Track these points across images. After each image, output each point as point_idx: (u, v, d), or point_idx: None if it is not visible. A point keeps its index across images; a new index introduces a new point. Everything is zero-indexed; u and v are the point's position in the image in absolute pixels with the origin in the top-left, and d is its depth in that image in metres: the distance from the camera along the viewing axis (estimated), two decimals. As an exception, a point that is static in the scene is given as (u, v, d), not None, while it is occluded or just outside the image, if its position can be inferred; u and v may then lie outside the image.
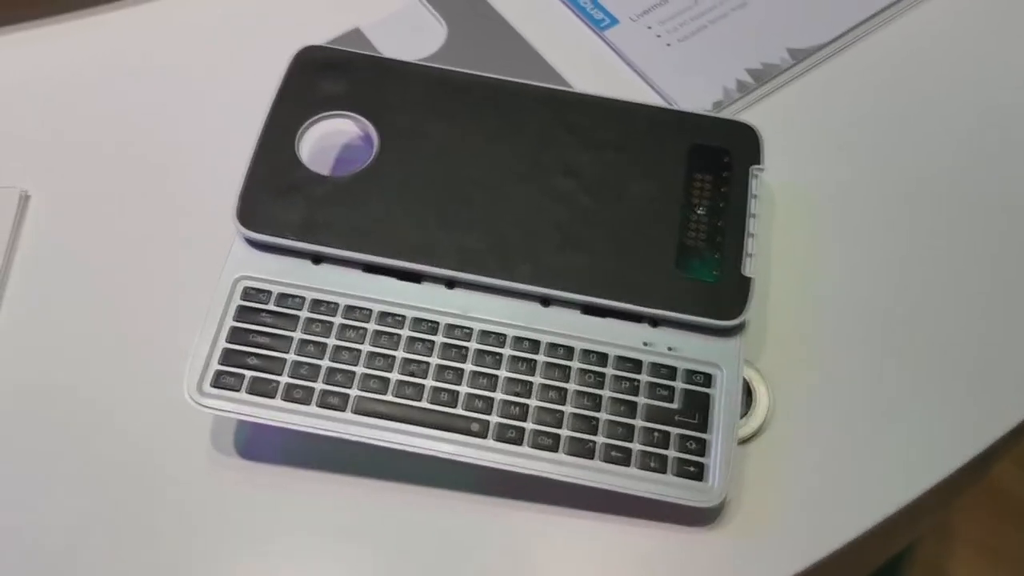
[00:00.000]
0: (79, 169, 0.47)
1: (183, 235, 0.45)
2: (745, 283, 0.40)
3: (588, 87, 0.47)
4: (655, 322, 0.39)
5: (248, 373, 0.38)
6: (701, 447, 0.37)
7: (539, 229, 0.40)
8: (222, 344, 0.38)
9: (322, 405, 0.37)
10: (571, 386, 0.38)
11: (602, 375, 0.38)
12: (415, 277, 0.40)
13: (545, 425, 0.37)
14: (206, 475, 0.39)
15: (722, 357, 0.39)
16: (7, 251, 0.44)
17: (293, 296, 0.39)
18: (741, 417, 0.39)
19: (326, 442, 0.37)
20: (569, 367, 0.38)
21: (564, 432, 0.37)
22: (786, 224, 0.45)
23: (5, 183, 0.46)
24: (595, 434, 0.37)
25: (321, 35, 0.49)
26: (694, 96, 0.49)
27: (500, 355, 0.39)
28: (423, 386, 0.38)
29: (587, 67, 0.50)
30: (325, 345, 0.38)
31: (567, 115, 0.43)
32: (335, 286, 0.39)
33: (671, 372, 0.39)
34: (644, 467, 0.37)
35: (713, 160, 0.42)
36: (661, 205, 0.41)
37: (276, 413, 0.37)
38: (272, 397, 0.37)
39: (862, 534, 0.38)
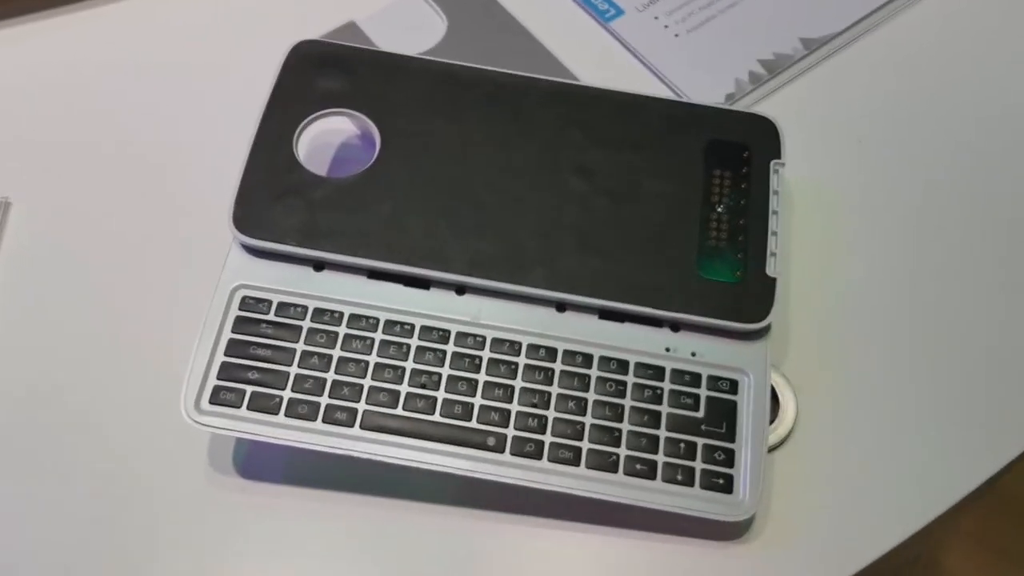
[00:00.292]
0: (65, 171, 0.45)
1: (179, 238, 0.43)
2: (770, 284, 0.38)
3: (596, 80, 0.45)
4: (676, 326, 0.38)
5: (248, 388, 0.35)
6: (729, 458, 0.35)
7: (553, 231, 0.38)
8: (220, 358, 0.36)
9: (328, 421, 0.35)
10: (590, 396, 0.36)
11: (623, 383, 0.36)
12: (423, 283, 0.38)
13: (564, 438, 0.35)
14: (203, 495, 0.37)
15: (748, 362, 0.37)
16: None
17: (294, 305, 0.37)
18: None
19: (331, 459, 0.35)
20: (588, 376, 0.36)
21: (585, 445, 0.35)
22: (805, 221, 0.43)
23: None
24: (617, 446, 0.35)
25: (314, 29, 0.47)
26: (705, 89, 0.47)
27: (515, 364, 0.37)
28: (435, 399, 0.36)
29: (593, 60, 0.48)
30: (329, 357, 0.36)
31: (578, 110, 0.41)
32: (338, 294, 0.37)
33: (695, 379, 0.37)
34: (670, 480, 0.35)
35: (732, 156, 0.40)
36: (679, 203, 0.39)
37: (279, 431, 0.35)
38: (275, 414, 0.35)
39: (898, 544, 0.36)
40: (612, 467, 0.35)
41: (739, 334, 0.37)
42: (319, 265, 0.38)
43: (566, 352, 0.37)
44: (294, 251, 0.37)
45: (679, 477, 0.35)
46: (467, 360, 0.36)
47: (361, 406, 0.35)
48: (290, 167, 0.39)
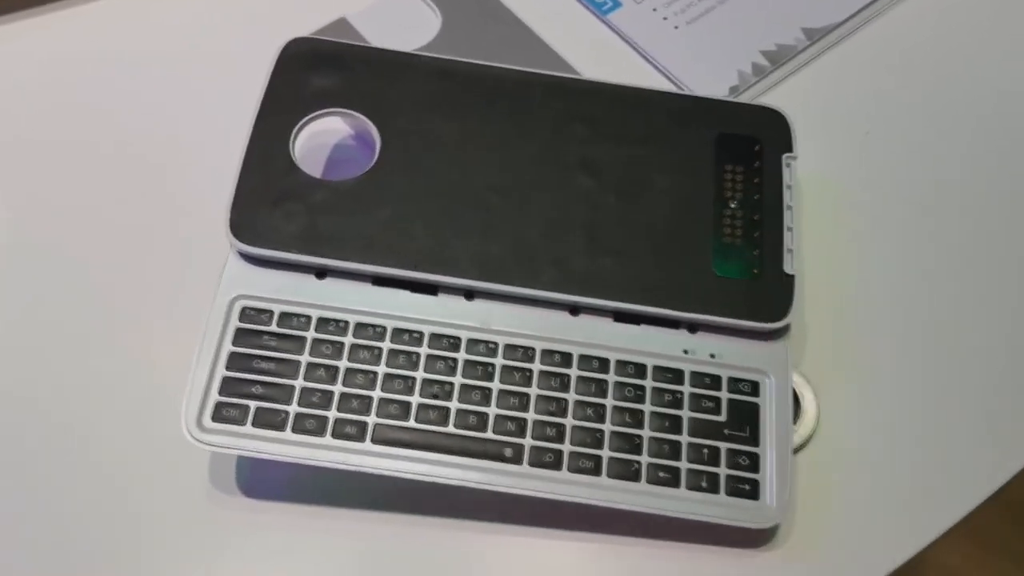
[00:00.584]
0: (58, 171, 0.43)
1: (178, 240, 0.41)
2: (788, 281, 0.37)
3: (597, 75, 0.44)
4: (693, 327, 0.36)
5: (252, 404, 0.34)
6: (754, 462, 0.34)
7: (563, 231, 0.37)
8: (221, 372, 0.34)
9: (337, 436, 0.33)
10: (609, 402, 0.35)
11: (642, 388, 0.35)
12: (430, 289, 0.36)
13: (584, 446, 0.34)
14: (205, 515, 0.35)
15: (768, 362, 0.36)
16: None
17: (297, 315, 0.35)
18: (790, 426, 0.36)
19: (338, 475, 0.33)
20: (605, 381, 0.35)
21: (605, 453, 0.34)
22: (813, 215, 0.42)
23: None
24: (639, 454, 0.34)
25: (303, 26, 0.45)
26: (708, 81, 0.46)
27: (529, 371, 0.35)
28: (448, 409, 0.34)
29: (592, 53, 0.46)
30: (336, 369, 0.34)
31: (584, 106, 0.39)
32: (343, 302, 0.36)
33: (715, 381, 0.36)
34: (694, 487, 0.34)
35: (742, 149, 0.39)
36: (692, 199, 0.38)
37: (287, 447, 0.33)
38: (281, 429, 0.33)
39: (926, 546, 0.35)
40: (634, 476, 0.34)
41: (758, 334, 0.36)
42: (322, 272, 0.36)
43: (582, 357, 0.36)
44: (295, 258, 0.35)
45: (703, 484, 0.34)
46: (480, 368, 0.35)
47: (371, 419, 0.34)
48: (287, 171, 0.37)
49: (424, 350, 0.35)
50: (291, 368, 0.34)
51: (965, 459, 0.37)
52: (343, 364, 0.35)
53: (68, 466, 0.36)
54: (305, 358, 0.35)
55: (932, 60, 0.47)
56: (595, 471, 0.34)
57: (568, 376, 0.35)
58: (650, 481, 0.34)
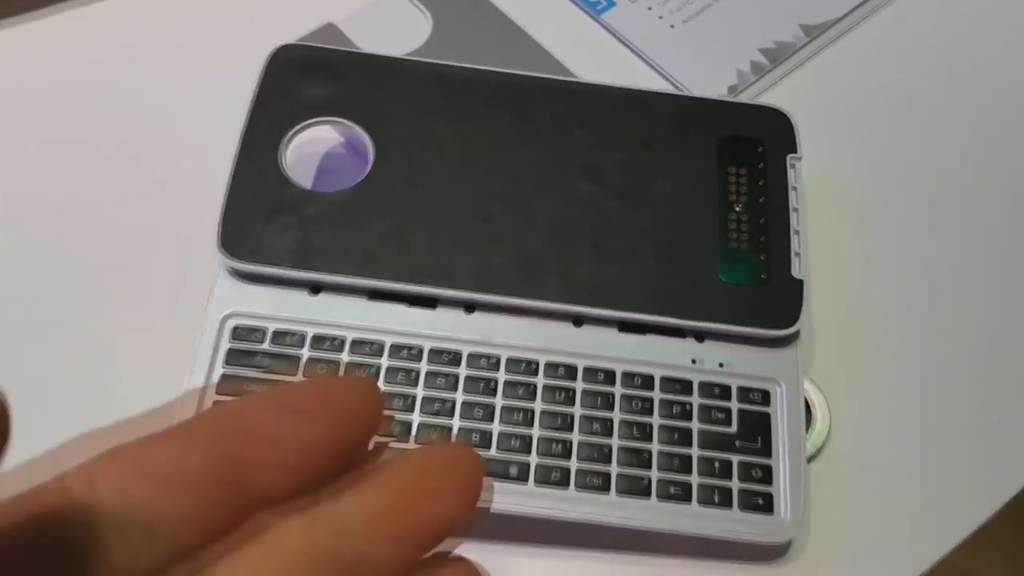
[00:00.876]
0: (48, 172, 0.41)
1: (172, 244, 0.39)
2: (796, 286, 0.36)
3: (594, 76, 0.43)
4: (701, 336, 0.35)
5: (247, 426, 0.32)
6: (767, 475, 0.33)
7: (564, 240, 0.36)
8: (212, 396, 0.33)
9: (336, 458, 0.32)
10: (616, 415, 0.34)
11: (649, 400, 0.34)
12: (429, 302, 0.35)
13: (591, 462, 0.33)
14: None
15: (778, 370, 0.35)
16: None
17: (291, 333, 0.34)
18: (802, 435, 0.35)
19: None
20: (612, 394, 0.34)
21: (614, 469, 0.33)
22: (817, 216, 0.41)
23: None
24: (648, 468, 0.33)
25: (289, 32, 0.44)
26: (707, 81, 0.44)
27: (533, 385, 0.34)
28: (449, 427, 0.33)
29: (587, 54, 0.45)
30: (333, 387, 0.33)
31: (583, 109, 0.38)
32: (338, 318, 0.34)
33: (725, 391, 0.34)
34: (707, 503, 0.33)
35: (746, 151, 0.38)
36: (696, 204, 0.37)
37: (284, 471, 0.32)
38: (277, 453, 0.32)
39: (945, 555, 0.34)
40: (644, 492, 0.33)
41: (768, 341, 0.35)
42: (316, 288, 0.35)
43: (587, 369, 0.34)
44: (288, 274, 0.34)
45: (716, 499, 0.33)
46: (481, 383, 0.34)
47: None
48: (278, 183, 0.36)
49: (424, 366, 0.34)
50: (286, 388, 0.33)
51: (982, 463, 0.36)
52: (340, 383, 0.33)
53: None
54: (300, 378, 0.33)
55: (934, 54, 0.46)
56: (603, 488, 0.33)
57: (573, 389, 0.34)
58: (661, 497, 0.33)
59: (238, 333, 0.34)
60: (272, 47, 0.38)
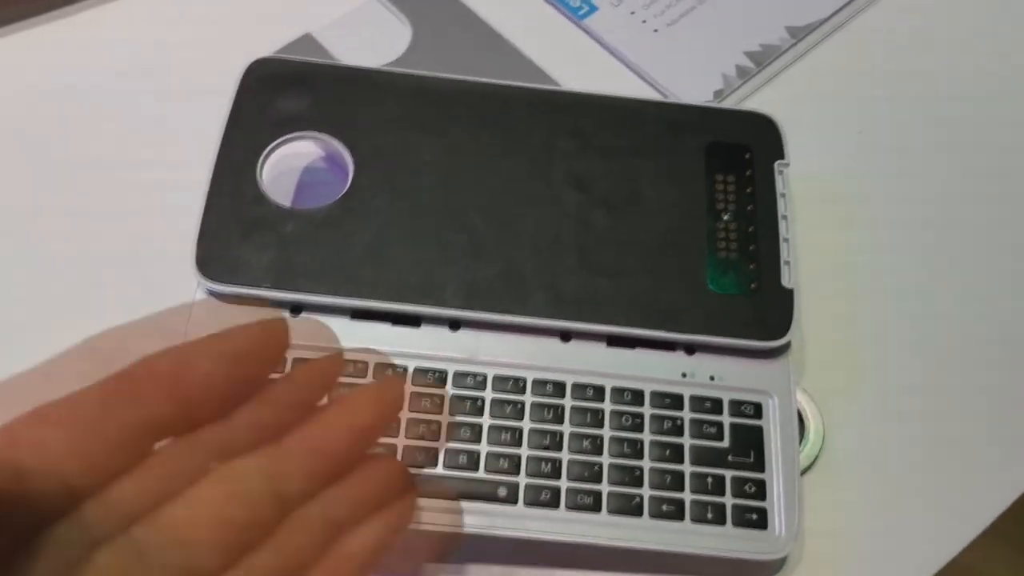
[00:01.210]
0: (7, 193, 0.40)
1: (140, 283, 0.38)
2: (787, 295, 0.35)
3: (577, 84, 0.42)
4: (691, 349, 0.35)
5: (228, 453, 0.32)
6: (760, 490, 0.33)
7: (550, 253, 0.35)
8: (193, 421, 0.32)
9: (320, 483, 0.31)
10: (606, 432, 0.33)
11: (640, 416, 0.33)
12: (413, 320, 0.34)
13: (582, 481, 0.32)
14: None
15: (770, 382, 0.34)
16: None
17: (272, 355, 0.33)
18: (795, 448, 0.35)
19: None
20: (601, 410, 0.33)
21: (605, 488, 0.32)
22: (809, 221, 0.41)
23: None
24: (640, 486, 0.32)
25: (266, 44, 0.43)
26: (692, 86, 0.44)
27: (521, 403, 0.33)
28: (436, 450, 0.32)
29: (571, 61, 0.44)
30: (316, 410, 0.32)
31: (567, 119, 0.38)
32: (320, 339, 0.34)
33: (716, 405, 0.34)
34: (700, 520, 0.32)
35: (733, 158, 0.38)
36: (684, 213, 0.36)
37: (267, 499, 0.31)
38: (260, 479, 0.31)
39: (942, 567, 0.34)
40: (636, 510, 0.32)
41: (759, 352, 0.35)
42: (297, 308, 0.34)
43: (575, 385, 0.34)
44: (268, 294, 0.33)
45: (709, 516, 0.32)
46: (468, 403, 0.33)
47: (355, 463, 0.32)
48: (256, 200, 0.35)
49: (408, 387, 0.33)
50: (268, 412, 0.32)
51: (977, 472, 0.36)
52: (323, 405, 0.32)
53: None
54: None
55: (921, 53, 0.46)
56: (595, 507, 0.32)
57: (562, 407, 0.33)
58: (653, 515, 0.32)
59: (217, 357, 0.33)
60: (248, 60, 0.38)
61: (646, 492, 0.32)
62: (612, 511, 0.32)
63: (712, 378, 0.34)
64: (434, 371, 0.33)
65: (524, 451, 0.33)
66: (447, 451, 0.32)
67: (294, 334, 0.33)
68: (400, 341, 0.34)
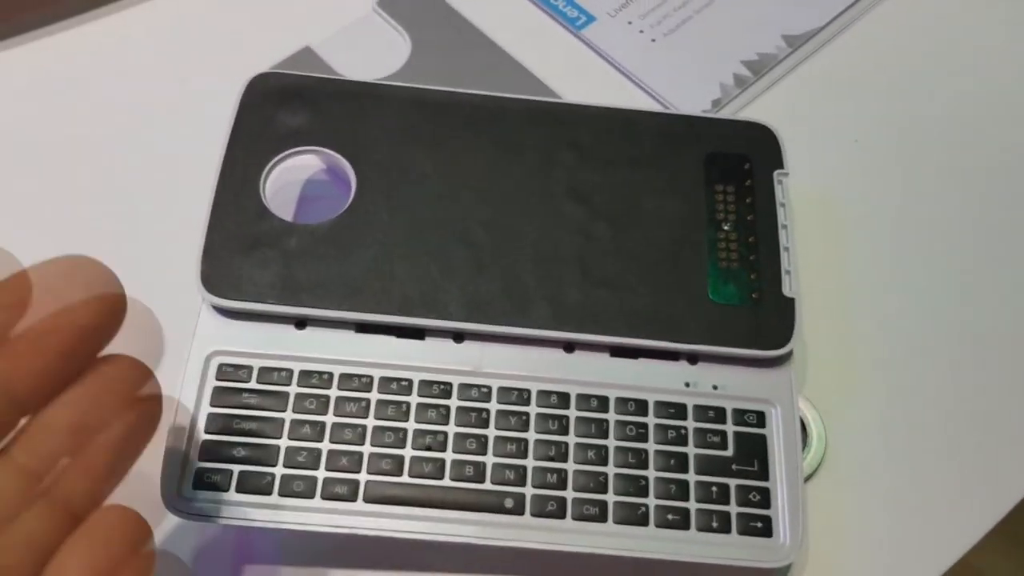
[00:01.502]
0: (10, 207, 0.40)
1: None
2: (788, 304, 0.35)
3: (576, 95, 0.42)
4: (693, 358, 0.35)
5: (236, 468, 0.32)
6: (765, 498, 0.33)
7: (553, 265, 0.35)
8: (200, 436, 0.32)
9: (328, 497, 0.32)
10: (611, 443, 0.33)
11: (644, 426, 0.34)
12: (417, 333, 0.34)
13: (588, 491, 0.32)
14: (192, 586, 0.33)
15: (773, 391, 0.35)
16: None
17: (278, 370, 0.33)
18: (798, 455, 0.35)
19: (332, 536, 0.31)
20: (606, 420, 0.34)
21: (610, 498, 0.32)
22: (808, 230, 0.41)
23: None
24: (645, 496, 0.33)
25: (265, 58, 0.43)
26: (690, 96, 0.44)
27: (526, 415, 0.33)
28: (442, 461, 0.32)
29: (569, 72, 0.45)
30: (322, 425, 0.33)
31: (567, 131, 0.38)
32: (325, 352, 0.34)
33: (720, 414, 0.34)
34: (705, 528, 0.32)
35: (732, 168, 0.38)
36: (684, 224, 0.36)
37: (275, 513, 0.31)
38: (268, 494, 0.31)
39: (945, 571, 0.34)
40: (642, 520, 0.32)
41: (762, 361, 0.35)
42: (301, 323, 0.34)
43: (579, 396, 0.34)
44: (273, 309, 0.34)
45: (715, 524, 0.32)
46: (473, 415, 0.33)
47: (362, 476, 0.32)
48: (259, 215, 0.35)
49: (414, 399, 0.33)
50: (275, 427, 0.32)
51: (979, 476, 0.36)
52: (329, 419, 0.33)
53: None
54: (289, 415, 0.33)
55: (917, 60, 0.46)
56: (600, 517, 0.32)
57: (567, 417, 0.34)
58: (659, 524, 0.32)
59: (224, 371, 0.33)
60: (248, 75, 0.38)
61: (651, 502, 0.32)
62: (618, 521, 0.32)
63: (715, 387, 0.34)
64: (439, 383, 0.34)
65: (529, 462, 0.33)
66: (453, 462, 0.32)
67: (305, 347, 0.33)
68: (405, 354, 0.34)
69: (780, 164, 0.38)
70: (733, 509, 0.33)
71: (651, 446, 0.33)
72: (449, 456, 0.33)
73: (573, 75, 0.44)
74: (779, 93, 0.45)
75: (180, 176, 0.39)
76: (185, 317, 0.34)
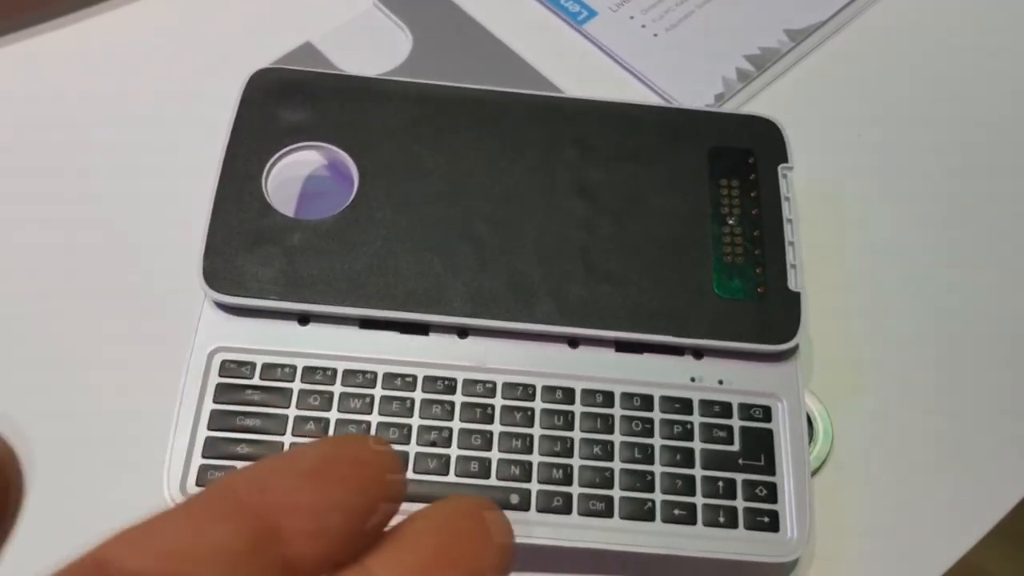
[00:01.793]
0: (14, 208, 0.40)
1: (142, 296, 0.38)
2: (793, 299, 0.35)
3: (578, 90, 0.42)
4: (699, 353, 0.35)
5: (239, 464, 0.31)
6: (771, 493, 0.33)
7: (557, 259, 0.35)
8: (203, 433, 0.32)
9: (332, 493, 0.31)
10: (616, 438, 0.33)
11: (650, 421, 0.33)
12: (421, 328, 0.34)
13: (594, 487, 0.32)
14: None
15: (779, 385, 0.34)
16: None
17: (281, 366, 0.33)
18: (804, 450, 0.35)
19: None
20: (611, 415, 0.33)
21: (616, 493, 0.32)
22: (813, 224, 0.41)
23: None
24: (651, 491, 0.32)
25: (266, 53, 0.43)
26: (693, 90, 0.44)
27: (531, 410, 0.33)
28: (447, 457, 0.32)
29: (571, 66, 0.44)
30: (326, 421, 0.32)
31: (570, 126, 0.38)
32: (329, 348, 0.34)
33: (725, 409, 0.34)
34: (712, 523, 0.32)
35: (736, 162, 0.38)
36: (689, 218, 0.36)
37: (279, 510, 0.31)
38: (271, 491, 0.31)
39: (952, 565, 0.34)
40: (648, 515, 0.32)
41: (767, 356, 0.35)
42: (304, 318, 0.34)
43: (585, 391, 0.34)
44: (276, 305, 0.33)
45: (721, 519, 0.32)
46: (478, 410, 0.33)
47: (367, 473, 0.32)
48: (262, 211, 0.35)
49: (418, 395, 0.33)
50: (278, 423, 0.32)
51: (986, 470, 0.36)
52: (333, 416, 0.33)
53: (45, 533, 0.34)
54: (292, 411, 0.32)
55: (921, 54, 0.46)
56: (607, 513, 0.32)
57: (572, 413, 0.33)
58: (665, 520, 0.32)
59: (227, 368, 0.33)
60: (249, 71, 0.38)
61: (658, 496, 0.32)
62: (624, 516, 0.32)
63: (721, 382, 0.34)
64: (444, 379, 0.33)
65: (535, 457, 0.33)
66: (459, 458, 0.32)
67: (308, 343, 0.33)
68: (409, 350, 0.34)
69: (784, 158, 0.38)
70: (740, 504, 0.32)
71: (657, 441, 0.33)
72: (454, 452, 0.32)
73: (575, 70, 0.44)
74: (781, 88, 0.45)
75: (181, 173, 0.39)
76: (188, 314, 0.34)
